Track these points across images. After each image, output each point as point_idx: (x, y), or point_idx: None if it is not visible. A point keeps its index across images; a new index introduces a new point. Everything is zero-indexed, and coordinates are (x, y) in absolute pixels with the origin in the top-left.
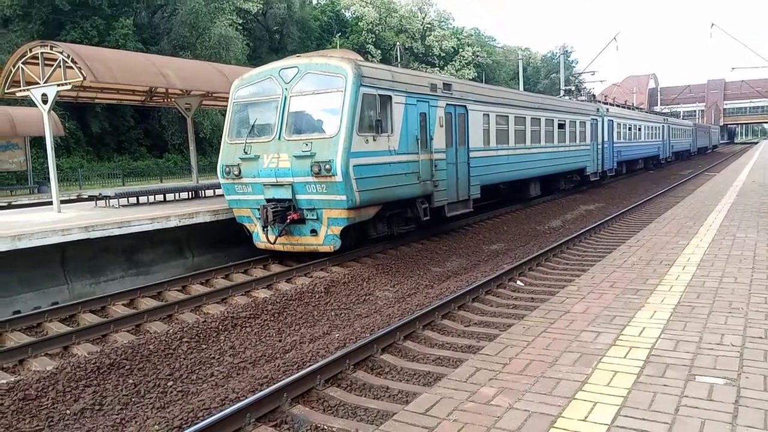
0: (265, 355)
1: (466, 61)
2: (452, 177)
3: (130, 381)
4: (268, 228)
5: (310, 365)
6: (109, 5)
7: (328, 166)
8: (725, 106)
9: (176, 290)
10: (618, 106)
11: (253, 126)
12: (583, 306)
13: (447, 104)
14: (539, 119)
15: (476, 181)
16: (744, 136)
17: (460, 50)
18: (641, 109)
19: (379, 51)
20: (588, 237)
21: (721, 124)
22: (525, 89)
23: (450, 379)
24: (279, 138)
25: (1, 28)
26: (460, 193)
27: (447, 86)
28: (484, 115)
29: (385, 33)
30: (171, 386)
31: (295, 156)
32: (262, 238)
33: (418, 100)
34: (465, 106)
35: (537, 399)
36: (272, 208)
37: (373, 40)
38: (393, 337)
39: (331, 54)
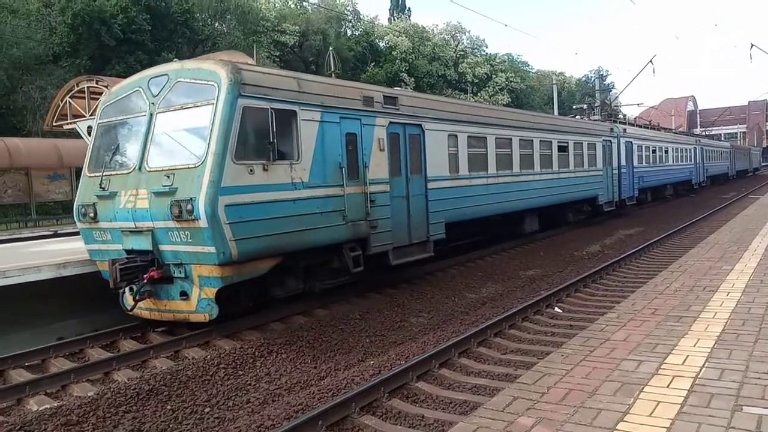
0: (300, 382)
1: (500, 87)
2: (401, 214)
3: (168, 407)
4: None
5: (345, 393)
6: (152, 41)
7: (189, 207)
8: None
9: None
10: (638, 126)
11: (113, 153)
12: (623, 334)
13: (391, 122)
14: (531, 141)
15: (438, 217)
16: None
17: (494, 76)
18: (670, 129)
19: (413, 79)
20: (628, 262)
21: (764, 146)
22: (560, 113)
23: (486, 408)
24: (140, 169)
25: (51, 64)
26: (415, 234)
27: (390, 100)
28: (450, 135)
29: (419, 61)
30: (208, 413)
31: (154, 192)
32: (128, 301)
33: (342, 117)
34: (420, 125)
35: (576, 430)
36: (123, 264)
37: (407, 68)
38: (428, 365)
39: (211, 57)
